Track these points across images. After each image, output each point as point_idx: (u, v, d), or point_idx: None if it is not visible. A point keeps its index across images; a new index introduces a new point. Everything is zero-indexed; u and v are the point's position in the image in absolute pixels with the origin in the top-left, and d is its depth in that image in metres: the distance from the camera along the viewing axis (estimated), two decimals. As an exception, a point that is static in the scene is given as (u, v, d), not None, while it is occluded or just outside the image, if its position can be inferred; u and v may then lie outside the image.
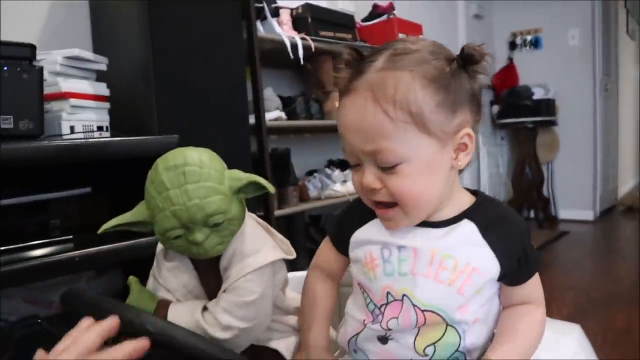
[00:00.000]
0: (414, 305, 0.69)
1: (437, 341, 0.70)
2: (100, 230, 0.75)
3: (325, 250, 0.85)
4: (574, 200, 4.58)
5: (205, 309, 0.78)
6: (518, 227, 0.72)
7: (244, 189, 0.76)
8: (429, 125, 0.65)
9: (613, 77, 4.94)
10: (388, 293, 0.71)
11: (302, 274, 1.19)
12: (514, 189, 4.52)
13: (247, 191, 0.77)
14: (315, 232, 2.30)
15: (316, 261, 0.86)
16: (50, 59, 1.40)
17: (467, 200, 0.74)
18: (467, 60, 0.67)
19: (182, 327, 0.64)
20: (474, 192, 0.76)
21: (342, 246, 0.80)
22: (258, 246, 0.80)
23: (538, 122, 4.40)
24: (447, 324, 0.70)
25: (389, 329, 0.71)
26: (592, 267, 3.28)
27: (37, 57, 1.26)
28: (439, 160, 0.68)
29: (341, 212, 0.84)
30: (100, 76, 1.51)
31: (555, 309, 2.41)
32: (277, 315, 0.86)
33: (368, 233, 0.75)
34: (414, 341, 0.71)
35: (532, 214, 4.56)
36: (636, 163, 6.68)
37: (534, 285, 0.74)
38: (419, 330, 0.70)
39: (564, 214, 4.61)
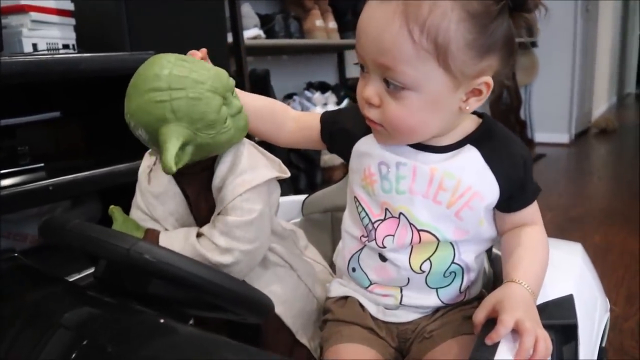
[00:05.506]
0: (410, 224, 0.69)
1: (431, 255, 0.70)
2: (173, 169, 0.63)
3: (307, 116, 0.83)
4: (550, 124, 4.59)
5: (199, 235, 0.72)
6: (521, 155, 0.69)
7: None
8: (450, 63, 0.60)
9: (594, -3, 4.83)
10: (386, 209, 0.70)
11: (284, 198, 1.14)
12: (492, 112, 4.49)
13: None
14: (296, 158, 2.24)
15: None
16: (3, -33, 1.25)
17: (472, 125, 0.71)
18: (519, 6, 0.62)
19: (185, 256, 0.58)
20: (480, 115, 0.72)
21: (327, 137, 0.79)
22: (253, 163, 0.73)
23: (518, 43, 4.30)
24: (440, 241, 0.70)
25: (384, 247, 0.71)
26: (569, 188, 3.33)
27: (-12, -36, 1.12)
28: (447, 100, 0.63)
29: (346, 111, 0.79)
30: (61, -12, 1.37)
31: (536, 229, 2.46)
32: (272, 243, 0.81)
33: (368, 145, 0.72)
34: (409, 259, 0.70)
35: (509, 138, 4.58)
36: (610, 86, 6.73)
37: (532, 211, 0.73)
38: (412, 248, 0.70)
39: (540, 137, 4.63)
